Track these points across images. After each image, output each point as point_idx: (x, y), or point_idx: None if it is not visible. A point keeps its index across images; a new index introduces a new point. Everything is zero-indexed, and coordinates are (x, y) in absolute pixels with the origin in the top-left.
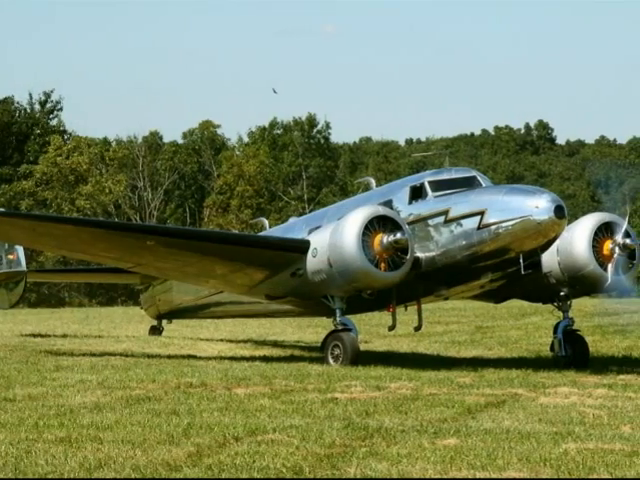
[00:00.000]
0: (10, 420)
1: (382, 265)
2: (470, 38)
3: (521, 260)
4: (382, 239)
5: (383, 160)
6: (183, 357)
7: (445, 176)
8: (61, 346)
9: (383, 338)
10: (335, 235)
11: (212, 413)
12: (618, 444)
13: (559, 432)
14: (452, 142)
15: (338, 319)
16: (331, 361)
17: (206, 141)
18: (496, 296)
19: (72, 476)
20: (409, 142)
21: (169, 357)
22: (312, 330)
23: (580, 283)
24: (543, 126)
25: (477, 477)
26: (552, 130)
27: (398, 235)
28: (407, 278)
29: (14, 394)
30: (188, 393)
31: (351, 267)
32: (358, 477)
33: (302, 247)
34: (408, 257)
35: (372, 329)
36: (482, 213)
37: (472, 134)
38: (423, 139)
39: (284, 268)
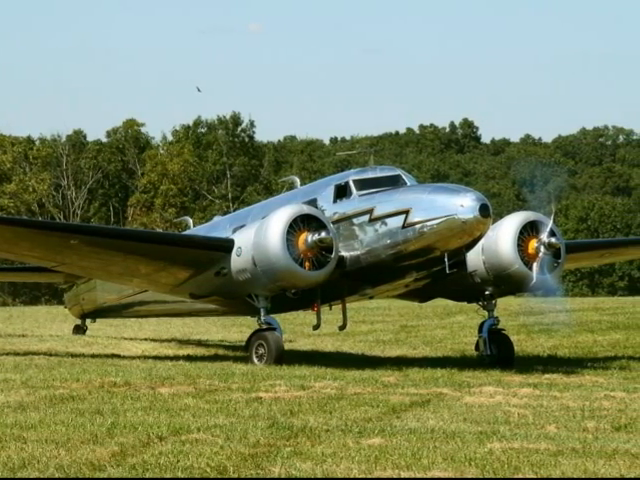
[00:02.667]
0: None
1: (306, 264)
2: (395, 37)
3: (446, 259)
4: (307, 238)
5: (307, 159)
6: (107, 356)
7: (370, 175)
8: None
9: (308, 337)
10: (259, 234)
11: (136, 412)
12: (543, 444)
13: (484, 431)
14: (377, 141)
15: (262, 318)
16: (255, 360)
17: (130, 140)
18: (421, 295)
19: None
20: (334, 141)
21: (93, 356)
22: (236, 329)
23: (505, 282)
24: (468, 125)
25: (402, 477)
26: (477, 129)
27: (323, 234)
28: (332, 277)
29: None
30: (112, 392)
31: (275, 266)
32: (282, 477)
33: (226, 246)
34: (333, 256)
35: (297, 328)
36: (407, 212)
37: (397, 133)
38: (348, 137)
39: (208, 267)
